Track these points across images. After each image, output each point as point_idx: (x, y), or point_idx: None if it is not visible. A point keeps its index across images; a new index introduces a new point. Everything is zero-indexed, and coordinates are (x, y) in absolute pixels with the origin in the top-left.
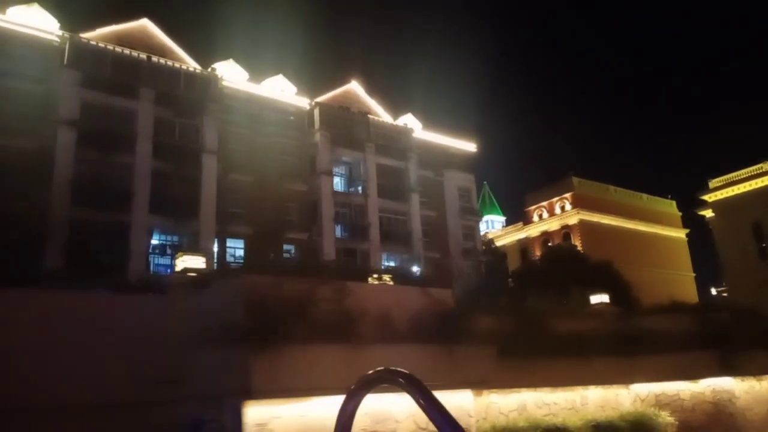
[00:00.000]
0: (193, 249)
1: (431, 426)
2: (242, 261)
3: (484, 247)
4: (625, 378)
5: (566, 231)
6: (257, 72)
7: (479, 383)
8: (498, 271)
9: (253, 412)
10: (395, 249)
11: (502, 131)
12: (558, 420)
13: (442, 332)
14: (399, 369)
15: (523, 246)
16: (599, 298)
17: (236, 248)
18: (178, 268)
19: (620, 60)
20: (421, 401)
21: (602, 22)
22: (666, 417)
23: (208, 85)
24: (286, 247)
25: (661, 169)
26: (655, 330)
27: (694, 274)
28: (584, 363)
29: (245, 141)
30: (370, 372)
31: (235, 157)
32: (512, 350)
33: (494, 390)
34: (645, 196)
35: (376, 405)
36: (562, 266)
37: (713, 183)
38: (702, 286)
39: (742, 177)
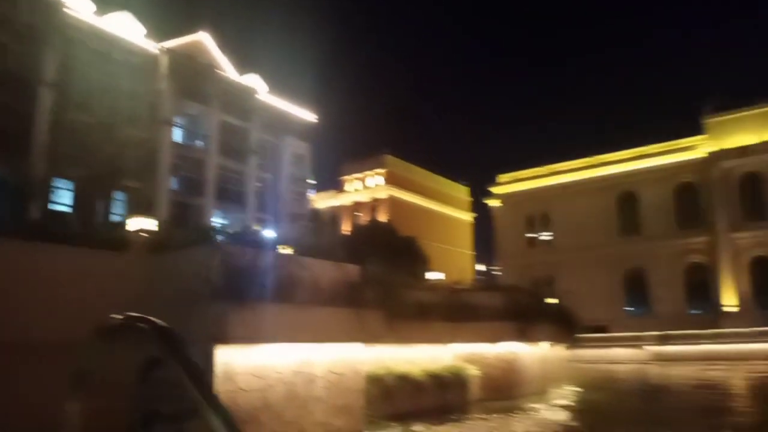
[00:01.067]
0: (21, 188)
1: (343, 369)
2: (71, 206)
3: (311, 213)
4: (450, 339)
5: (375, 204)
6: (105, 5)
7: (372, 338)
8: (329, 236)
9: (221, 354)
10: (229, 207)
11: (336, 101)
12: (404, 369)
13: (351, 298)
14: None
15: (335, 213)
16: (435, 275)
17: (65, 189)
18: (131, 228)
19: (454, 48)
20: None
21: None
22: (474, 369)
23: (50, 11)
24: (118, 194)
25: (468, 158)
26: (473, 303)
27: (473, 252)
28: (426, 326)
29: (87, 79)
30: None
31: (74, 94)
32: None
33: (378, 344)
34: (444, 180)
35: (302, 354)
36: (380, 238)
37: (501, 178)
38: (479, 263)
39: (524, 176)
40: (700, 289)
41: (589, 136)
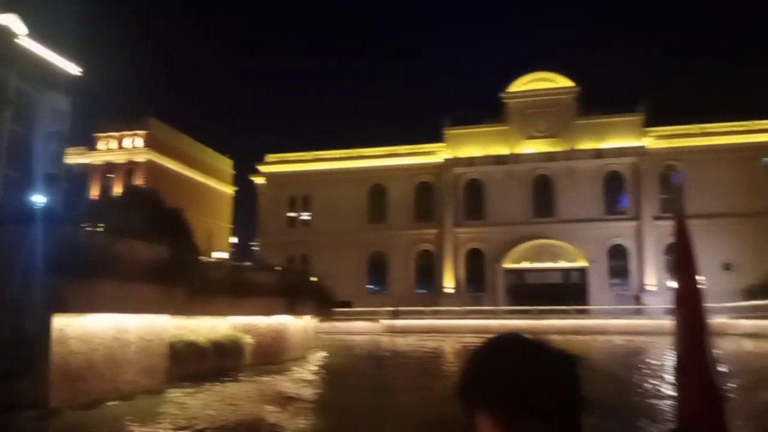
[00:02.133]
0: None
1: (151, 337)
2: None
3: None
4: (230, 312)
5: (131, 167)
6: None
7: (176, 311)
8: (79, 199)
9: (57, 321)
10: None
11: (106, 56)
12: (192, 337)
13: (160, 276)
14: None
15: (84, 172)
16: (220, 255)
17: None
18: None
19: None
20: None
21: None
22: (248, 338)
23: None
24: None
25: (238, 133)
26: (252, 281)
27: (231, 226)
28: (212, 300)
29: None
30: None
31: None
32: (185, 289)
33: (180, 316)
34: (210, 150)
35: (120, 322)
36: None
37: (268, 157)
38: (239, 237)
39: (290, 159)
40: (427, 272)
41: (355, 129)
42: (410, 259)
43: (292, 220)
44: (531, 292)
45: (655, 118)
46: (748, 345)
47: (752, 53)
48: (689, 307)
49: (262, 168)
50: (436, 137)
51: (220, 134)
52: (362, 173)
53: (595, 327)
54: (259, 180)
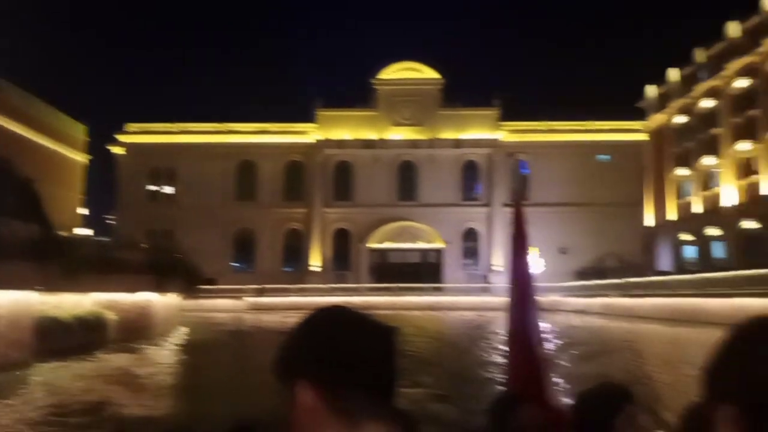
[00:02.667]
0: None
1: (19, 312)
2: None
3: None
4: (95, 289)
5: None
6: None
7: (45, 287)
8: None
9: None
10: None
11: None
12: (57, 312)
13: (33, 254)
14: None
15: None
16: (83, 231)
17: None
18: None
19: None
20: None
21: None
22: (112, 315)
23: None
24: None
25: (98, 98)
26: (118, 258)
27: (82, 197)
28: (77, 277)
29: None
30: None
31: None
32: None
33: (46, 292)
34: (62, 115)
35: None
36: None
37: (130, 126)
38: (93, 210)
39: (153, 129)
40: (295, 251)
41: (227, 104)
42: (278, 238)
43: (155, 194)
44: (392, 270)
45: (509, 114)
46: (576, 320)
47: (599, 59)
48: (520, 285)
49: (122, 138)
50: (308, 117)
51: (76, 99)
52: (231, 149)
53: (448, 303)
54: (118, 150)
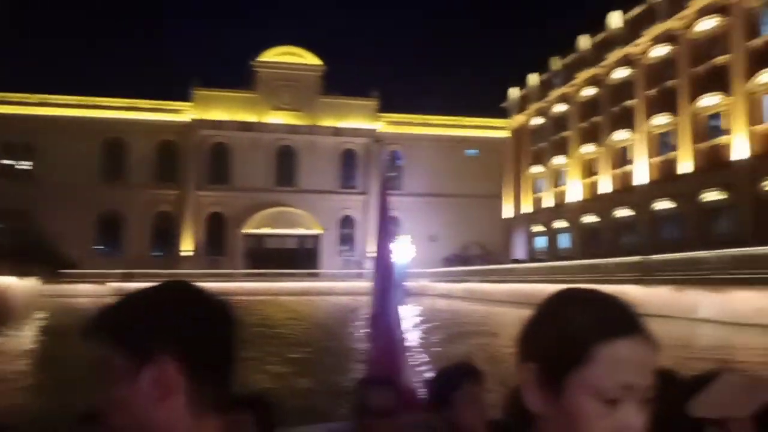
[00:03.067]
0: None
1: None
2: None
3: None
4: None
5: None
6: None
7: None
8: None
9: None
10: None
11: None
12: None
13: None
14: None
15: None
16: None
17: None
18: None
19: None
20: None
21: None
22: None
23: None
24: None
25: None
26: None
27: None
28: None
29: None
30: None
31: None
32: None
33: None
34: None
35: None
36: None
37: None
38: None
39: (7, 99)
40: (165, 235)
41: (96, 77)
42: (148, 221)
43: (7, 170)
44: (269, 256)
45: (387, 105)
46: (442, 303)
47: (476, 57)
48: (383, 270)
49: None
50: (184, 96)
51: None
52: (97, 124)
53: (324, 288)
54: None
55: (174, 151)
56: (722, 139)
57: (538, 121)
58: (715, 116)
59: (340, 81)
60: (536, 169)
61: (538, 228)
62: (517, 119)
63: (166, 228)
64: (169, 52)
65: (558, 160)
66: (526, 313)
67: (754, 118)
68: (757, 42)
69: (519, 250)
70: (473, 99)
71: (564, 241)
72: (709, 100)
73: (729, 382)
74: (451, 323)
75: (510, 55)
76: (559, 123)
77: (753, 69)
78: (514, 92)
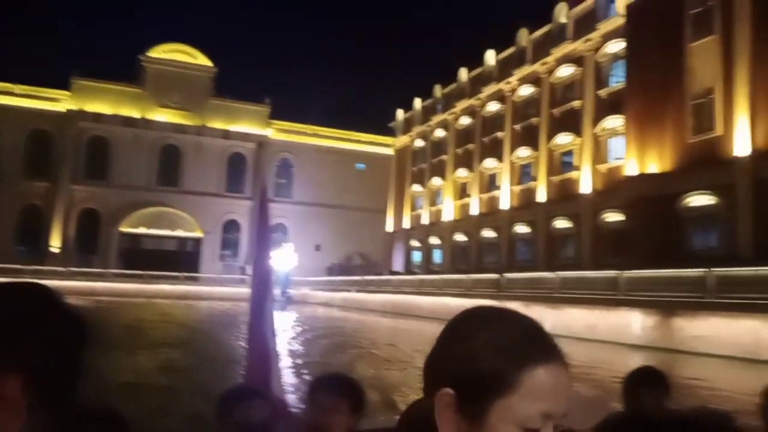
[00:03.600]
0: None
1: None
2: None
3: None
4: None
5: None
6: None
7: None
8: None
9: None
10: None
11: None
12: None
13: None
14: None
15: None
16: None
17: None
18: None
19: None
20: None
21: None
22: None
23: None
24: None
25: None
26: None
27: None
28: None
29: None
30: None
31: None
32: None
33: None
34: None
35: None
36: None
37: None
38: None
39: None
40: (33, 230)
41: None
42: (12, 214)
43: None
44: (146, 257)
45: (280, 113)
46: (321, 311)
47: (375, 73)
48: (261, 278)
49: None
50: (64, 85)
51: None
52: None
53: (204, 293)
54: None
55: (48, 141)
56: (572, 174)
57: (420, 143)
58: (568, 153)
59: (234, 85)
60: (416, 188)
61: (415, 243)
62: (402, 140)
63: (34, 223)
64: (54, 39)
65: (436, 181)
66: (399, 322)
67: (598, 157)
68: (604, 92)
69: (398, 263)
70: (367, 115)
71: (437, 257)
72: (564, 139)
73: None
74: (327, 329)
75: (406, 74)
76: (438, 147)
77: (600, 115)
78: (400, 114)
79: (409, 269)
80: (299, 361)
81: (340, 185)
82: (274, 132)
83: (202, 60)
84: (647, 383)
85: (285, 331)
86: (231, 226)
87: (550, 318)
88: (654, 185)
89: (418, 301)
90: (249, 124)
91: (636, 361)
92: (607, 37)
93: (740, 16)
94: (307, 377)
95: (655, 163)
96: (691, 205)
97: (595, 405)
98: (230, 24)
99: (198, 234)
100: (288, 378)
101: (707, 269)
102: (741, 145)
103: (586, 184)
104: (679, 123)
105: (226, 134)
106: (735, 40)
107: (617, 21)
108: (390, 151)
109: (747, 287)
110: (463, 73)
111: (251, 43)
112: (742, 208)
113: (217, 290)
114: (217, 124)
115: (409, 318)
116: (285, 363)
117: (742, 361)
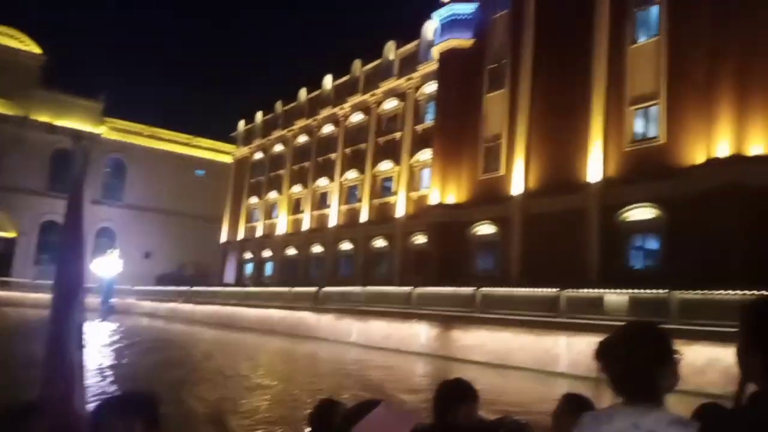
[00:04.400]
0: None
1: None
2: None
3: None
4: None
5: None
6: None
7: None
8: None
9: None
10: None
11: None
12: None
13: None
14: None
15: None
16: None
17: None
18: None
19: None
20: None
21: None
22: None
23: None
24: None
25: None
26: None
27: None
28: None
29: None
30: None
31: None
32: None
33: None
34: None
35: None
36: None
37: None
38: None
39: None
40: None
41: None
42: None
43: None
44: None
45: (116, 111)
46: (145, 322)
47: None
48: (64, 284)
49: None
50: None
51: None
52: None
53: (14, 299)
54: None
55: None
56: (390, 199)
57: (260, 156)
58: (389, 179)
59: (69, 79)
60: (253, 200)
61: (248, 255)
62: (242, 150)
63: None
64: None
65: (272, 195)
66: (222, 333)
67: (412, 185)
68: (420, 127)
69: (230, 274)
70: (211, 121)
71: (269, 269)
72: (385, 166)
73: (382, 412)
74: (150, 344)
75: (253, 85)
76: (276, 161)
77: (415, 147)
78: (242, 125)
79: (241, 281)
80: (108, 374)
81: (177, 190)
82: (107, 130)
83: (31, 46)
84: (458, 395)
85: (98, 343)
86: (51, 228)
87: (356, 329)
88: (450, 214)
89: (244, 313)
90: (79, 120)
91: (420, 366)
92: (426, 78)
93: (524, 75)
94: (114, 392)
95: (453, 194)
96: (479, 233)
97: (404, 418)
98: (72, 15)
99: (11, 234)
100: (94, 393)
101: (476, 288)
102: (517, 185)
103: (400, 209)
104: (474, 162)
105: (51, 128)
106: (518, 95)
107: (434, 65)
108: (231, 160)
109: (502, 304)
110: (303, 93)
111: (93, 38)
112: (514, 238)
113: (31, 296)
114: (43, 117)
115: (235, 330)
116: (91, 378)
117: (495, 367)
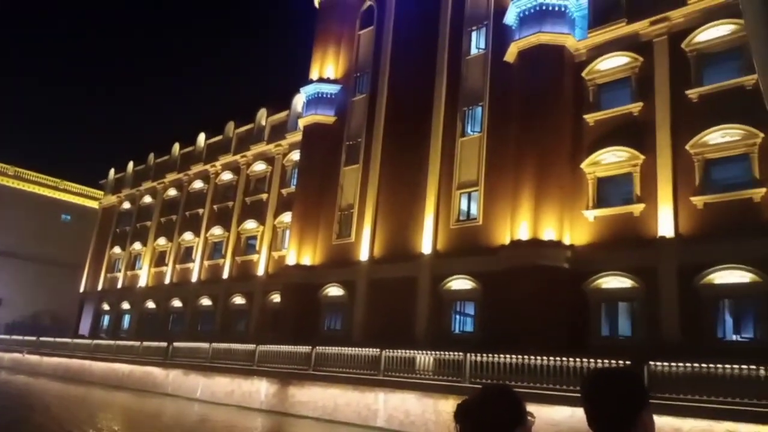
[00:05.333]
0: None
1: None
2: None
3: None
4: None
5: None
6: None
7: None
8: None
9: None
10: None
11: None
12: None
13: None
14: None
15: None
16: None
17: None
18: None
19: None
20: None
21: None
22: None
23: None
24: None
25: None
26: None
27: None
28: None
29: None
30: None
31: None
32: None
33: None
34: None
35: None
36: None
37: None
38: None
39: None
40: None
41: None
42: None
43: None
44: None
45: None
46: (3, 375)
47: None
48: None
49: None
50: None
51: None
52: None
53: None
54: None
55: None
56: (253, 257)
57: (128, 205)
58: (253, 238)
59: None
60: (117, 249)
61: (106, 306)
62: (110, 198)
63: None
64: None
65: (136, 246)
66: (69, 387)
67: (275, 245)
68: (285, 190)
69: (86, 325)
70: (82, 166)
71: (126, 322)
72: (251, 224)
73: None
74: None
75: (129, 133)
76: (144, 212)
77: (279, 209)
78: (112, 173)
79: (96, 333)
80: None
81: (39, 235)
82: None
83: None
84: None
85: None
86: None
87: (201, 384)
88: (305, 275)
89: (89, 366)
90: None
91: (257, 422)
92: (293, 146)
93: (375, 153)
94: None
95: (309, 256)
96: (329, 294)
97: None
98: None
99: None
100: None
101: (311, 347)
102: (364, 251)
103: (261, 267)
104: (329, 227)
105: None
106: (370, 171)
107: (300, 135)
108: (98, 206)
109: (333, 362)
110: (176, 148)
111: None
112: (359, 300)
113: None
114: None
115: (82, 383)
116: None
117: (325, 422)
